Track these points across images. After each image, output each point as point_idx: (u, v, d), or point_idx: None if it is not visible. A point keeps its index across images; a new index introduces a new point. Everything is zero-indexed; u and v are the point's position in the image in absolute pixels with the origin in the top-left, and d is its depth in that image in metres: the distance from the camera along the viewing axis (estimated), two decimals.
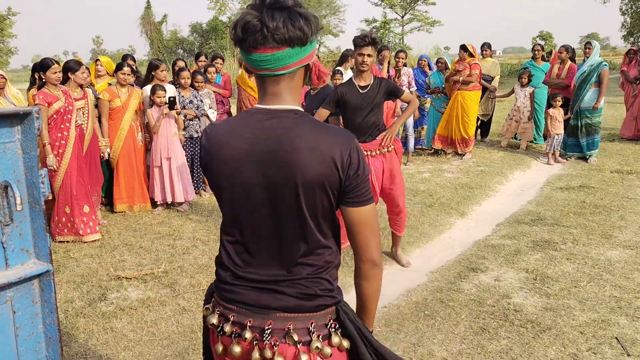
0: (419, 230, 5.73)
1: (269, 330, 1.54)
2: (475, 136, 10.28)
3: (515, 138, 10.26)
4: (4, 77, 5.82)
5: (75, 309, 4.02)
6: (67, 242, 5.45)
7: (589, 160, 8.77)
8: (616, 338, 3.45)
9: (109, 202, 6.66)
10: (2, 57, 29.98)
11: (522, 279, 4.39)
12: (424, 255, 5.14)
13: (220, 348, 1.62)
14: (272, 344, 1.53)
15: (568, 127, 8.98)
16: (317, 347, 1.53)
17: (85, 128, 5.79)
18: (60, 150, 5.40)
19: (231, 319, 1.59)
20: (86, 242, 5.45)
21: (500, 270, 4.59)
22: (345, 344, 1.59)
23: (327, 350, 1.55)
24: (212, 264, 4.85)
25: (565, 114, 8.92)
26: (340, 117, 4.76)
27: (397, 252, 4.96)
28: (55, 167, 5.34)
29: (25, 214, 1.74)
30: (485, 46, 10.12)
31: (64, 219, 5.47)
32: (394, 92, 4.51)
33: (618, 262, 4.66)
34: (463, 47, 9.00)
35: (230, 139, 1.54)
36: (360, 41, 4.25)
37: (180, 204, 6.63)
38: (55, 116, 5.37)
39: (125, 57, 7.42)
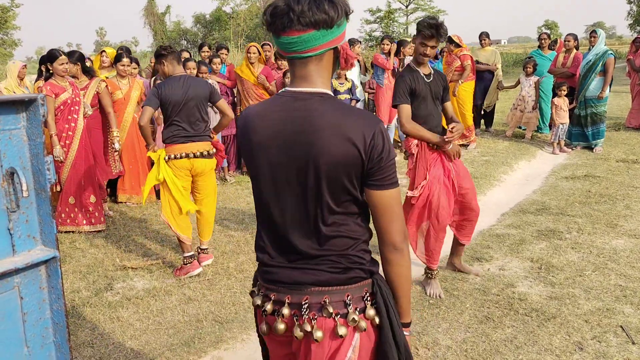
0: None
1: (306, 305, 1.58)
2: (479, 125, 10.25)
3: (521, 128, 10.22)
4: (25, 67, 5.90)
5: (82, 298, 4.05)
6: (73, 232, 5.48)
7: (594, 150, 8.74)
8: (621, 326, 3.45)
9: (112, 192, 6.70)
10: (6, 49, 29.98)
11: (527, 268, 4.39)
12: None
13: (265, 327, 1.67)
14: (311, 318, 1.58)
15: (573, 116, 8.93)
16: (353, 319, 1.56)
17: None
18: (68, 142, 5.41)
19: (272, 298, 1.64)
20: (91, 232, 5.48)
21: (505, 259, 4.59)
22: (378, 320, 1.62)
23: (363, 324, 1.58)
24: (217, 254, 4.87)
25: (571, 103, 8.88)
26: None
27: (462, 263, 4.42)
28: (62, 158, 5.35)
29: (32, 200, 1.75)
30: (484, 35, 10.04)
31: (67, 209, 5.49)
32: (444, 87, 4.06)
33: (623, 251, 4.65)
34: (449, 39, 8.97)
35: (259, 121, 1.60)
36: (427, 31, 3.73)
37: None
38: (62, 107, 5.38)
39: (120, 54, 7.28)
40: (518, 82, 10.03)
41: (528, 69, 9.49)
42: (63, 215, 5.51)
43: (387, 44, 8.51)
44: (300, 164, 1.55)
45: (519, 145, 9.36)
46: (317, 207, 1.57)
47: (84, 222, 5.50)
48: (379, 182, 1.56)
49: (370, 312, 1.60)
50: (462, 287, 4.09)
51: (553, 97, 9.10)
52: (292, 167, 1.56)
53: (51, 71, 5.38)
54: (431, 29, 3.70)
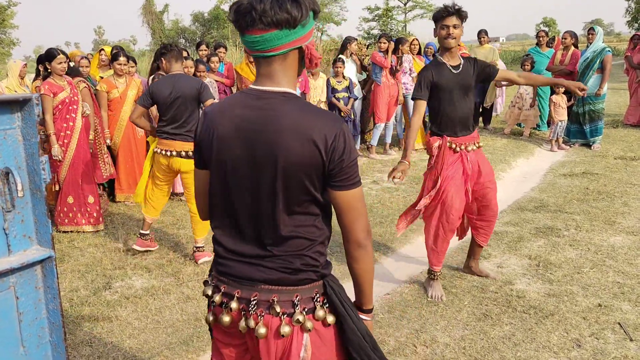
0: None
1: (254, 301, 1.61)
2: (478, 123, 10.25)
3: (519, 125, 10.22)
4: (26, 65, 5.90)
5: (80, 297, 4.05)
6: (72, 232, 5.47)
7: (592, 147, 8.74)
8: (619, 323, 3.45)
9: (111, 192, 6.69)
10: (4, 49, 29.94)
11: (525, 265, 4.40)
12: None
13: (211, 317, 1.71)
14: (258, 314, 1.61)
15: (571, 113, 8.93)
16: (298, 319, 1.59)
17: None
18: (66, 141, 5.40)
19: (222, 290, 1.67)
20: (89, 232, 5.48)
21: (503, 257, 4.60)
22: (330, 319, 1.65)
23: (309, 324, 1.60)
24: None
25: (569, 100, 8.88)
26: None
27: (478, 265, 4.29)
28: (60, 157, 5.34)
29: (27, 200, 1.75)
30: (483, 33, 10.02)
31: (65, 209, 5.49)
32: (489, 72, 3.84)
33: (621, 248, 4.65)
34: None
35: (221, 117, 1.61)
36: (442, 12, 3.61)
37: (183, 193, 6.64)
38: (60, 106, 5.37)
39: (116, 53, 7.18)
40: None
41: (526, 66, 9.48)
42: (62, 215, 5.51)
43: (385, 42, 8.49)
44: (260, 163, 1.56)
45: (517, 142, 9.37)
46: (274, 206, 1.58)
47: (83, 221, 5.49)
48: (341, 182, 1.57)
49: (320, 312, 1.63)
50: (460, 285, 4.10)
51: (551, 94, 9.10)
52: (251, 165, 1.57)
53: (49, 70, 5.37)
54: (446, 8, 3.57)
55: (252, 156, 1.56)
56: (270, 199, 1.58)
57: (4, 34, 31.08)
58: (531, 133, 9.87)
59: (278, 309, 1.59)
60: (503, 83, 10.23)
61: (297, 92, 1.62)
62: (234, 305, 1.63)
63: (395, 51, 8.62)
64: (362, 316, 1.74)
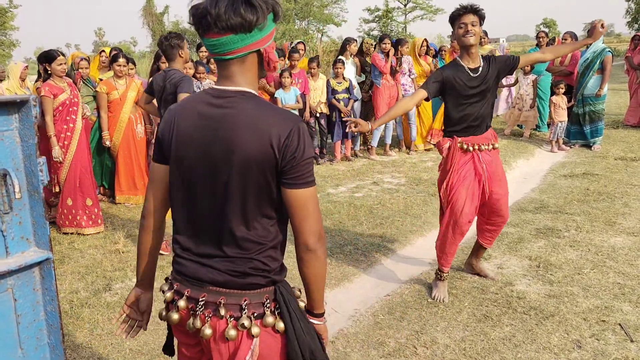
0: (422, 218, 5.72)
1: (202, 302, 1.61)
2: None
3: (520, 127, 10.21)
4: (27, 67, 5.92)
5: (80, 299, 4.04)
6: (71, 233, 5.47)
7: (592, 148, 8.74)
8: (620, 324, 3.45)
9: (112, 194, 6.69)
10: (5, 50, 29.95)
11: (525, 266, 4.39)
12: (427, 243, 5.13)
13: (163, 313, 1.73)
14: (206, 315, 1.61)
15: (571, 114, 8.93)
16: (243, 324, 1.58)
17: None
18: (66, 142, 5.41)
19: (175, 288, 1.68)
20: (88, 234, 5.48)
21: (504, 257, 4.59)
22: (281, 326, 1.63)
23: (256, 329, 1.59)
24: None
25: (569, 101, 8.87)
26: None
27: (480, 264, 4.27)
28: (60, 159, 5.35)
29: (25, 202, 1.75)
30: (483, 33, 10.04)
31: (65, 211, 5.49)
32: (510, 64, 3.71)
33: (622, 248, 4.65)
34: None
35: (183, 114, 1.62)
36: (458, 10, 3.51)
37: None
38: (60, 108, 5.37)
39: (115, 54, 7.17)
40: (516, 81, 10.02)
41: (526, 67, 9.48)
42: (63, 216, 5.51)
43: (388, 44, 8.47)
44: (217, 160, 1.56)
45: (517, 143, 9.36)
46: (229, 206, 1.58)
47: (83, 223, 5.48)
48: (292, 180, 1.56)
49: (269, 319, 1.62)
50: (460, 286, 4.09)
51: (551, 95, 9.09)
52: (208, 162, 1.57)
53: (49, 71, 5.37)
54: (462, 7, 3.48)
55: (209, 153, 1.57)
56: (225, 197, 1.57)
57: (5, 36, 31.10)
58: (531, 134, 9.87)
59: (223, 312, 1.59)
60: (504, 83, 10.27)
61: (256, 93, 1.62)
62: (181, 303, 1.64)
63: (394, 52, 8.61)
64: (313, 320, 1.72)
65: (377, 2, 73.19)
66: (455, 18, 3.54)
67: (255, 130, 1.52)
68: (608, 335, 3.34)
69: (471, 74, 3.60)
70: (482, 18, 3.51)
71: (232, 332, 1.58)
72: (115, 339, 3.51)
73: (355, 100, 8.50)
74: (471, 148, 3.71)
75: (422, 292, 4.03)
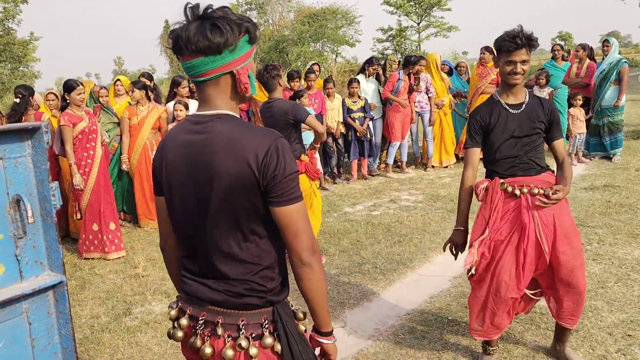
0: (441, 235, 5.67)
1: (202, 321, 1.64)
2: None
3: None
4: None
5: (101, 324, 4.07)
6: (93, 259, 5.54)
7: (612, 159, 8.62)
8: None
9: (132, 218, 6.83)
10: (27, 81, 30.69)
11: None
12: (446, 260, 5.07)
13: (171, 331, 1.74)
14: (205, 334, 1.64)
15: (590, 126, 8.84)
16: (240, 344, 1.58)
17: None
18: (87, 169, 5.51)
19: (179, 305, 1.73)
20: (112, 259, 5.54)
21: None
22: (279, 347, 1.63)
23: (253, 350, 1.59)
24: None
25: (587, 113, 8.78)
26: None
27: (565, 351, 3.22)
28: (82, 186, 5.45)
29: (38, 226, 1.78)
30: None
31: (91, 237, 5.57)
32: (554, 127, 3.16)
33: None
34: (489, 49, 8.76)
35: (171, 143, 1.67)
36: (509, 44, 2.87)
37: None
38: (80, 136, 5.48)
39: (140, 77, 7.61)
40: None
41: (541, 80, 9.42)
42: (87, 242, 5.58)
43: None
44: (201, 185, 1.58)
45: None
46: (219, 229, 1.60)
47: (106, 249, 5.56)
48: (277, 198, 1.56)
49: (268, 340, 1.61)
50: None
51: (569, 107, 9.01)
52: (194, 188, 1.60)
53: (68, 101, 5.47)
54: (514, 38, 2.85)
55: (194, 179, 1.60)
56: (215, 221, 1.59)
57: (27, 67, 31.87)
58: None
59: (220, 332, 1.61)
60: None
61: (234, 114, 1.63)
62: (183, 322, 1.68)
63: (405, 67, 8.56)
64: (322, 340, 1.71)
65: (390, 21, 73.71)
66: (503, 51, 2.92)
67: (233, 153, 1.53)
68: (635, 350, 3.26)
69: (511, 110, 3.01)
70: (535, 48, 2.93)
71: (230, 352, 1.59)
72: None
73: (371, 119, 8.50)
74: (518, 191, 2.98)
75: (442, 310, 3.98)
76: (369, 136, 8.47)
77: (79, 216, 5.64)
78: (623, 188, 6.91)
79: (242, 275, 1.61)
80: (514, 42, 2.85)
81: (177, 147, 1.63)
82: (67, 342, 1.79)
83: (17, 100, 5.90)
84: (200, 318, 1.64)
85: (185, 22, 1.54)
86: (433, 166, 9.13)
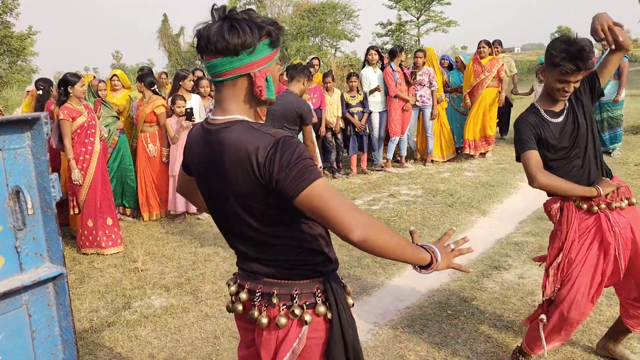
0: (440, 230, 5.68)
1: (258, 293, 1.72)
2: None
3: None
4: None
5: (101, 318, 4.07)
6: (92, 254, 5.53)
7: (612, 154, 8.62)
8: None
9: (133, 212, 6.92)
10: (25, 76, 30.54)
11: None
12: None
13: (230, 306, 1.85)
14: (262, 305, 1.71)
15: None
16: (293, 311, 1.67)
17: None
18: (85, 165, 5.49)
19: (238, 282, 1.82)
20: (109, 254, 5.53)
21: (524, 267, 4.52)
22: (330, 316, 1.70)
23: (307, 317, 1.66)
24: (234, 270, 4.86)
25: None
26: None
27: (619, 348, 3.16)
28: (80, 182, 5.43)
29: (38, 218, 1.78)
30: (497, 43, 9.98)
31: (86, 232, 5.56)
32: (592, 84, 2.90)
33: None
34: (488, 43, 8.89)
35: (193, 144, 1.76)
36: (567, 67, 2.62)
37: (201, 212, 6.69)
38: (79, 131, 5.46)
39: (139, 71, 7.68)
40: (532, 90, 9.95)
41: (540, 75, 9.42)
42: (83, 237, 5.57)
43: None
44: (219, 192, 1.68)
45: None
46: (248, 227, 1.67)
47: (103, 244, 5.54)
48: (293, 187, 1.49)
49: (321, 308, 1.68)
50: (480, 297, 4.03)
51: None
52: (217, 188, 1.69)
53: (71, 94, 5.41)
54: (574, 60, 2.60)
55: (213, 185, 1.70)
56: (242, 220, 1.67)
57: (25, 62, 31.69)
58: None
59: (275, 301, 1.68)
60: (519, 92, 10.25)
61: (246, 118, 1.63)
62: (243, 296, 1.77)
63: (392, 59, 8.55)
64: (428, 271, 1.70)
65: (390, 16, 73.53)
66: (558, 67, 2.65)
67: (237, 160, 1.57)
68: (634, 343, 3.26)
69: (553, 120, 2.81)
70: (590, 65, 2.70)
71: (283, 320, 1.66)
72: (135, 356, 3.52)
73: (369, 113, 8.49)
74: (596, 207, 2.79)
75: (441, 304, 3.98)
76: (367, 131, 8.47)
77: (77, 211, 5.64)
78: None
79: (288, 256, 1.68)
80: (575, 66, 2.61)
81: (195, 152, 1.74)
82: (67, 335, 1.79)
83: (40, 92, 6.55)
84: (257, 291, 1.72)
85: (209, 22, 1.58)
86: (432, 160, 9.13)
